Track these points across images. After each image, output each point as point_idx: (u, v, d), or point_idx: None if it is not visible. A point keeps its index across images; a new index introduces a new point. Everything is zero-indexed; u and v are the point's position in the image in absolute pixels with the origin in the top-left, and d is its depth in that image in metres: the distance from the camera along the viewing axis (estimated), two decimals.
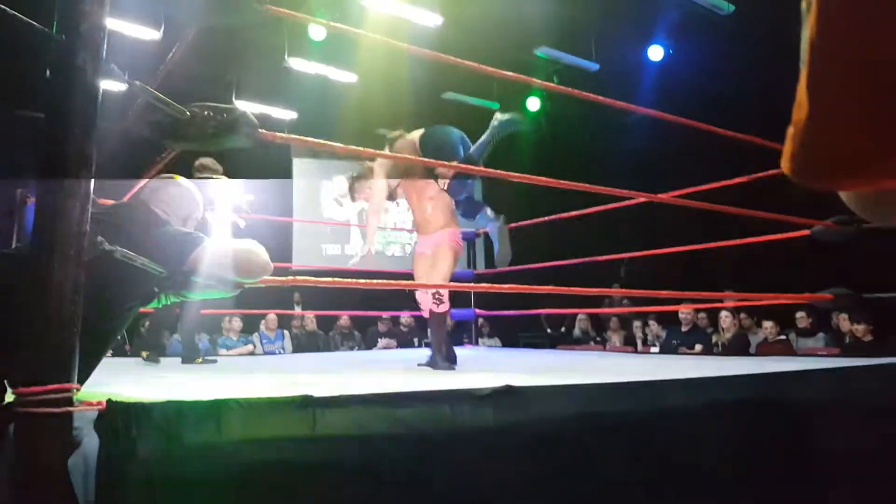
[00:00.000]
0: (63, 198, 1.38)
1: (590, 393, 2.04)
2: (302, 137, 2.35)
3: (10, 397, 1.49)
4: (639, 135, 9.25)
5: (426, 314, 3.95)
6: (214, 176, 4.44)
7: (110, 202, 2.30)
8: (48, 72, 1.45)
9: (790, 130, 0.58)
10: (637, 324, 8.50)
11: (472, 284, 3.82)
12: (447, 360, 3.62)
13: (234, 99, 8.97)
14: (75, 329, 1.37)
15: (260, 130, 2.02)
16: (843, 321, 6.73)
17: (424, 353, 4.30)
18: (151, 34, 7.31)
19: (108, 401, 1.37)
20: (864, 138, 0.52)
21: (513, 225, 6.49)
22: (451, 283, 3.65)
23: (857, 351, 5.66)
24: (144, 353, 4.30)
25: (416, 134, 3.95)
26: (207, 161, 4.68)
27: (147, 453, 1.30)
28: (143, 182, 2.31)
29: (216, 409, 1.42)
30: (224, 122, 1.88)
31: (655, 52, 9.08)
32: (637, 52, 9.22)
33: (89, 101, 1.43)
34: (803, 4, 0.57)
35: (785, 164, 0.60)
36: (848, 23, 0.50)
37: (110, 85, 6.67)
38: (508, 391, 1.80)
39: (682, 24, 8.57)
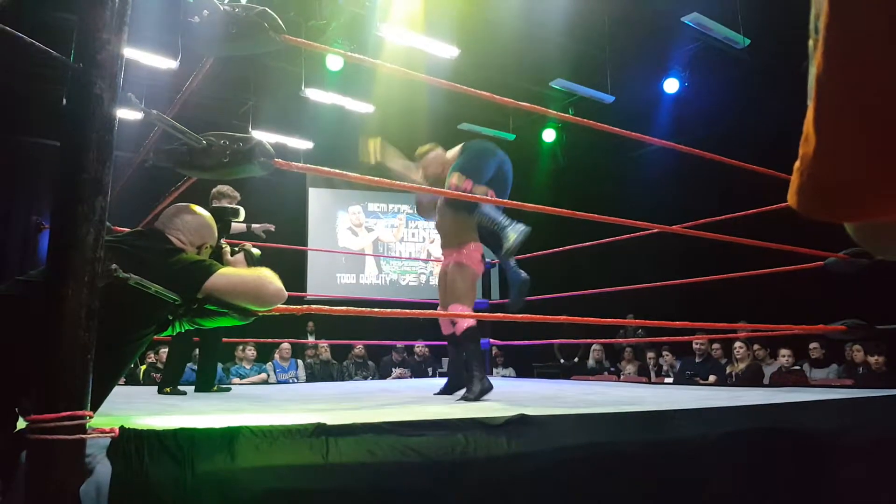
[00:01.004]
0: (78, 224, 1.39)
1: (603, 422, 2.02)
2: (317, 167, 2.36)
3: (22, 425, 1.49)
4: (654, 167, 9.26)
5: (445, 329, 3.80)
6: (231, 205, 4.44)
7: (125, 230, 2.32)
8: (65, 100, 1.47)
9: (797, 164, 0.59)
10: (650, 355, 8.44)
11: (486, 314, 3.80)
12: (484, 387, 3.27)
13: (250, 128, 9.07)
14: (89, 356, 1.37)
15: (276, 160, 2.03)
16: (856, 353, 6.66)
17: (439, 382, 4.25)
18: (168, 63, 7.43)
19: (121, 428, 1.37)
20: (869, 173, 0.53)
21: (527, 255, 6.51)
22: (465, 313, 3.61)
23: (871, 382, 5.57)
24: (168, 389, 4.15)
25: (454, 151, 3.92)
26: (225, 188, 4.69)
27: (160, 481, 1.30)
28: (158, 209, 2.33)
29: (229, 437, 1.42)
30: (240, 151, 1.89)
31: (671, 85, 9.11)
32: (652, 85, 9.25)
33: (106, 129, 1.45)
34: (811, 42, 0.58)
35: (791, 198, 0.61)
36: (854, 61, 0.51)
37: (127, 114, 6.77)
38: (523, 420, 1.78)
39: (698, 57, 8.62)
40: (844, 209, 0.58)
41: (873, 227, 0.61)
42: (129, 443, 1.34)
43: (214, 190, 4.64)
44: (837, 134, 0.54)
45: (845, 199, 0.56)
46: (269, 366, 8.02)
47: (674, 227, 4.00)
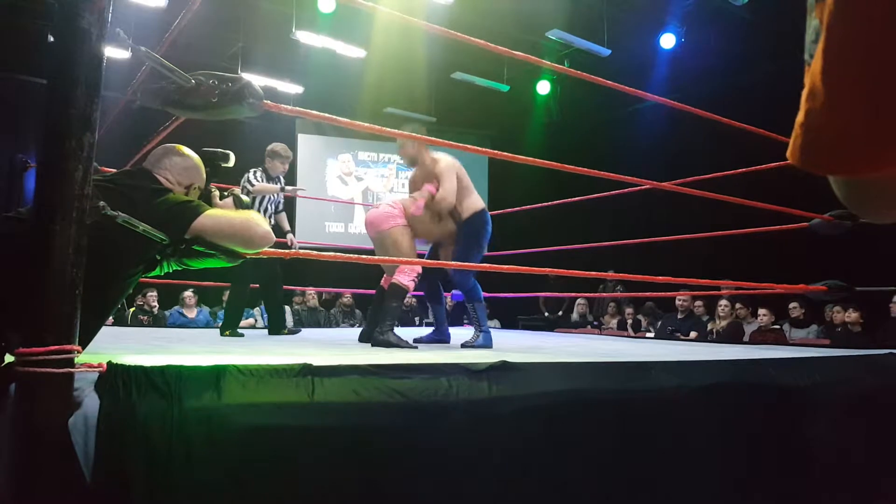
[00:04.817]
0: (66, 159, 1.38)
1: (582, 371, 2.07)
2: (306, 110, 2.34)
3: (10, 360, 1.50)
4: (647, 123, 9.22)
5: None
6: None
7: (112, 171, 2.31)
8: (51, 36, 1.45)
9: (799, 119, 0.57)
10: (629, 311, 8.53)
11: (473, 264, 3.81)
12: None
13: (239, 71, 8.93)
14: (77, 291, 1.38)
15: (265, 101, 2.01)
16: (836, 314, 6.79)
17: (425, 331, 4.33)
18: (157, 2, 7.28)
19: (109, 363, 1.39)
20: (884, 125, 0.51)
21: (519, 209, 6.53)
22: (454, 263, 3.64)
23: (847, 342, 5.67)
24: (227, 332, 4.37)
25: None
26: (279, 147, 4.81)
27: (147, 415, 1.32)
28: (146, 149, 2.31)
29: (216, 375, 1.44)
30: (229, 92, 1.87)
31: (667, 40, 9.01)
32: (649, 39, 9.16)
33: (94, 64, 1.43)
34: None
35: (793, 155, 0.58)
36: (869, 9, 0.49)
37: (114, 53, 6.65)
38: (504, 367, 1.82)
39: (696, 13, 8.52)
40: (853, 163, 0.56)
41: (867, 185, 0.59)
42: (116, 377, 1.35)
43: (269, 148, 4.80)
44: (850, 86, 0.52)
45: (855, 153, 0.54)
46: (256, 311, 8.05)
47: (664, 183, 4.01)
